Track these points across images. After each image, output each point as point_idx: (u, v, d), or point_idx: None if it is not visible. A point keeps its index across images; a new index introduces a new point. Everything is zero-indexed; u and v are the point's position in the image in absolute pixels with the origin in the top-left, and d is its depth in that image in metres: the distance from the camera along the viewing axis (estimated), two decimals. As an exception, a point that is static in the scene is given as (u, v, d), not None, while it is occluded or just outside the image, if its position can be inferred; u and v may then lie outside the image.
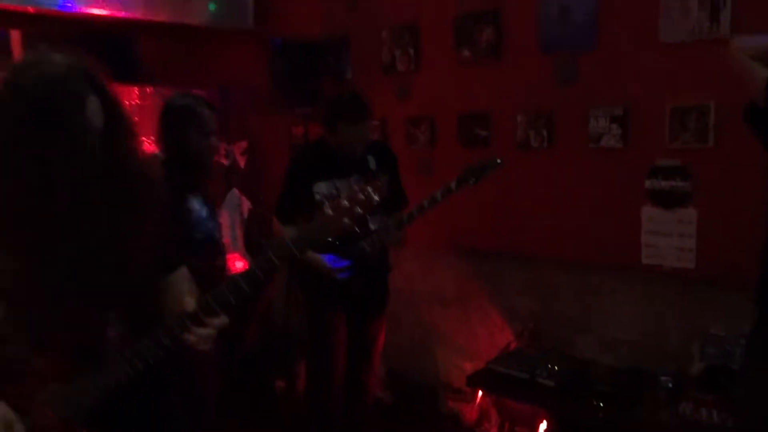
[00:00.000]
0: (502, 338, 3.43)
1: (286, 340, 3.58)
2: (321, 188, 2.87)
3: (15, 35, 4.81)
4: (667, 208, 2.86)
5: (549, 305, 3.34)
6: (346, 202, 1.43)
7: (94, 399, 1.42)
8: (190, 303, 1.52)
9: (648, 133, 2.90)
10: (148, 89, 4.15)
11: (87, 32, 4.16)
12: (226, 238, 3.51)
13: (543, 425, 3.01)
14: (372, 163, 2.93)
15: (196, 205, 2.65)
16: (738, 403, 2.39)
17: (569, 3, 3.06)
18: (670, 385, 2.67)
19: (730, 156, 2.70)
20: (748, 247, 1.97)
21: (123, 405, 1.46)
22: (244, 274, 1.46)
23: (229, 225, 4.34)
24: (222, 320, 1.45)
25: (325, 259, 2.79)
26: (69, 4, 3.67)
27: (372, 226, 2.79)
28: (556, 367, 2.90)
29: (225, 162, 4.53)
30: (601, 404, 2.67)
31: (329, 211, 1.44)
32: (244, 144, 4.73)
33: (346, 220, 1.43)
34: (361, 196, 1.43)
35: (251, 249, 4.35)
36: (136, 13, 3.90)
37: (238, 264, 4.06)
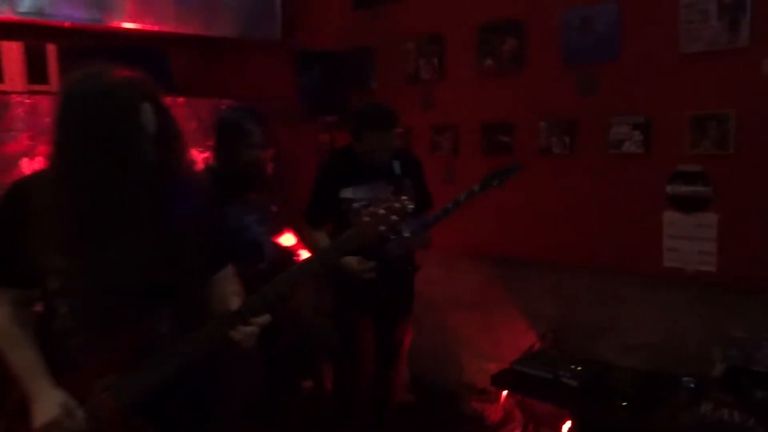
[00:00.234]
0: (525, 342, 3.49)
1: (312, 341, 3.66)
2: (347, 194, 2.97)
3: (51, 49, 5.00)
4: (688, 213, 2.92)
5: (571, 309, 3.40)
6: (382, 211, 1.54)
7: (146, 390, 1.52)
8: (234, 302, 1.63)
9: (669, 140, 2.96)
10: (179, 99, 4.29)
11: (120, 45, 4.31)
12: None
13: (566, 426, 3.06)
14: (397, 168, 2.98)
15: (244, 212, 2.82)
16: (759, 404, 2.44)
17: (591, 14, 3.14)
18: (692, 385, 2.71)
19: (750, 162, 2.76)
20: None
21: (172, 396, 1.56)
22: (287, 276, 1.57)
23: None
24: (264, 319, 1.55)
25: (352, 261, 2.87)
26: (104, 19, 3.81)
27: (406, 234, 2.85)
28: (579, 368, 2.96)
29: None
30: (624, 405, 2.72)
31: (366, 219, 1.55)
32: (271, 152, 4.84)
33: (382, 227, 1.54)
34: (397, 205, 1.54)
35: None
36: (168, 27, 4.04)
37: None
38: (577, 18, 3.19)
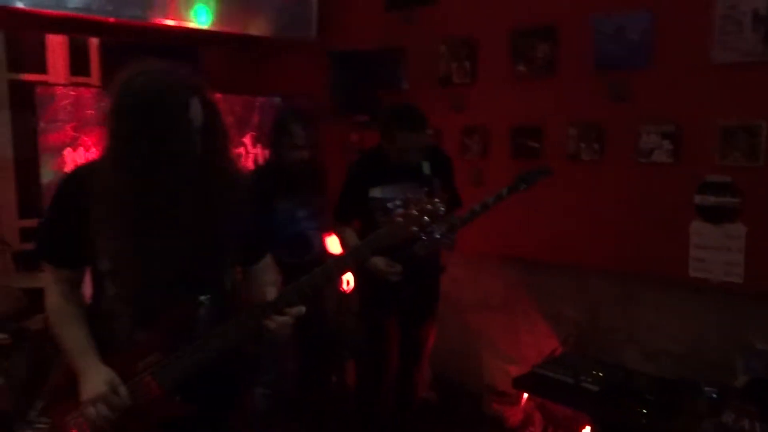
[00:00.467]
0: (547, 345, 3.52)
1: (337, 338, 3.73)
2: (376, 193, 3.03)
3: (93, 42, 5.15)
4: (715, 223, 2.93)
5: (595, 315, 3.43)
6: (415, 212, 1.60)
7: (186, 371, 1.60)
8: (272, 292, 1.70)
9: (698, 150, 2.97)
10: (216, 95, 4.39)
11: (157, 41, 4.43)
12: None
13: (586, 430, 3.09)
14: (426, 168, 3.00)
15: (295, 207, 3.07)
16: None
17: (624, 22, 3.16)
18: (714, 395, 2.72)
19: (781, 175, 2.76)
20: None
21: (210, 379, 1.64)
22: (320, 271, 1.63)
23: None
24: (299, 310, 1.62)
25: (379, 262, 2.91)
26: (148, 16, 3.93)
27: (436, 235, 2.90)
28: (600, 373, 2.98)
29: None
30: (644, 411, 2.74)
31: (400, 219, 1.61)
32: (313, 152, 4.93)
33: (414, 227, 1.60)
34: (429, 207, 1.60)
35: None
36: (207, 25, 4.15)
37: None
38: (610, 25, 3.21)
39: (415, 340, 3.25)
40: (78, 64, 5.09)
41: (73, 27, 4.17)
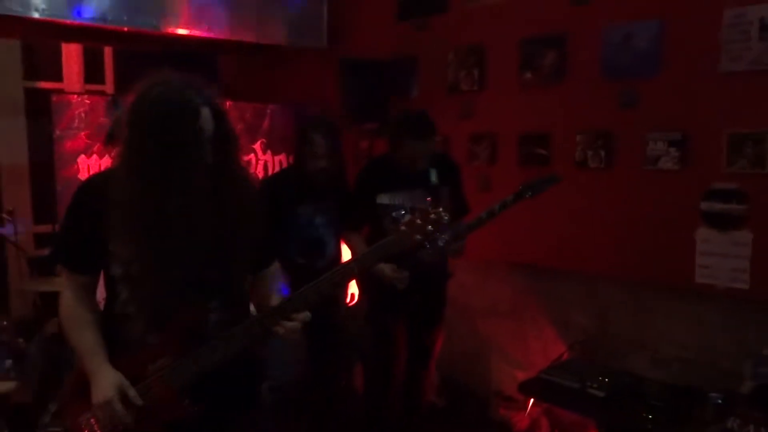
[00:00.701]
0: (555, 351, 3.53)
1: (345, 342, 3.77)
2: (384, 200, 3.07)
3: (108, 51, 5.24)
4: (722, 230, 2.94)
5: (602, 321, 3.44)
6: (419, 221, 1.64)
7: (195, 375, 1.65)
8: (276, 298, 1.74)
9: (705, 157, 2.98)
10: (227, 103, 4.45)
11: (171, 49, 4.50)
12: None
13: (592, 436, 3.10)
14: (434, 175, 3.01)
15: (315, 213, 3.14)
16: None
17: (632, 30, 3.18)
18: (720, 401, 2.73)
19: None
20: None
21: (218, 379, 1.68)
22: (326, 278, 1.67)
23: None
24: (305, 316, 1.66)
25: (386, 268, 2.93)
26: (161, 25, 4.00)
27: (441, 242, 2.92)
28: (606, 379, 2.99)
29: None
30: (650, 417, 2.75)
31: (404, 228, 1.65)
32: (335, 162, 4.98)
33: (418, 236, 1.64)
34: (433, 216, 1.64)
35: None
36: (221, 34, 4.21)
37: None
38: (619, 33, 3.23)
39: (422, 344, 3.28)
40: (93, 72, 5.18)
41: (88, 36, 4.25)
